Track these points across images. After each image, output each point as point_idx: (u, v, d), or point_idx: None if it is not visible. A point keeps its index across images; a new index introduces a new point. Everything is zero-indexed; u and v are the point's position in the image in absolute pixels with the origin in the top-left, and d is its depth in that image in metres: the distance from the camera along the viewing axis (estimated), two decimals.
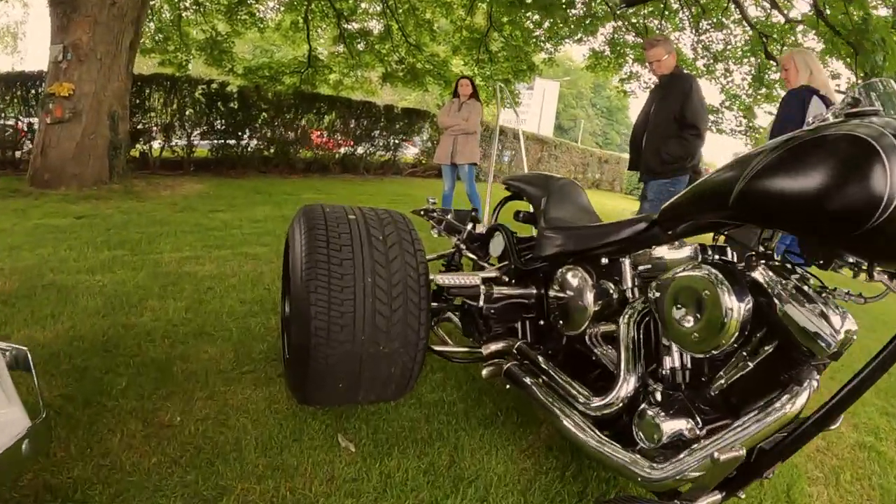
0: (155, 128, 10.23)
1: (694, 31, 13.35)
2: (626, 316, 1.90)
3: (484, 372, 2.43)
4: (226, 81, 11.48)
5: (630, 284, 2.02)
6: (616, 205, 21.00)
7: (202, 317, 3.34)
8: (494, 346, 2.51)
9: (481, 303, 2.49)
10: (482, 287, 2.53)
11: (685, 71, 5.49)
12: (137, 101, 9.68)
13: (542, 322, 2.55)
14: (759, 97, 13.33)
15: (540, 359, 2.29)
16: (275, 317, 3.46)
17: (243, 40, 19.35)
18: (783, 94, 4.59)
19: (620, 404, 1.83)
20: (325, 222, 2.24)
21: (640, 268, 2.00)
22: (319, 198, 9.19)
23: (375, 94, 18.20)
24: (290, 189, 9.81)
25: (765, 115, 13.33)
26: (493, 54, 14.97)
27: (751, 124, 13.87)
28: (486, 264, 2.91)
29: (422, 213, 3.36)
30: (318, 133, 13.20)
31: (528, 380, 2.21)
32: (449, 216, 3.19)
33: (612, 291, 2.09)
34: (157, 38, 15.02)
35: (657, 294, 1.74)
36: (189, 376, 2.64)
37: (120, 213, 6.28)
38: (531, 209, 2.78)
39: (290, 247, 2.38)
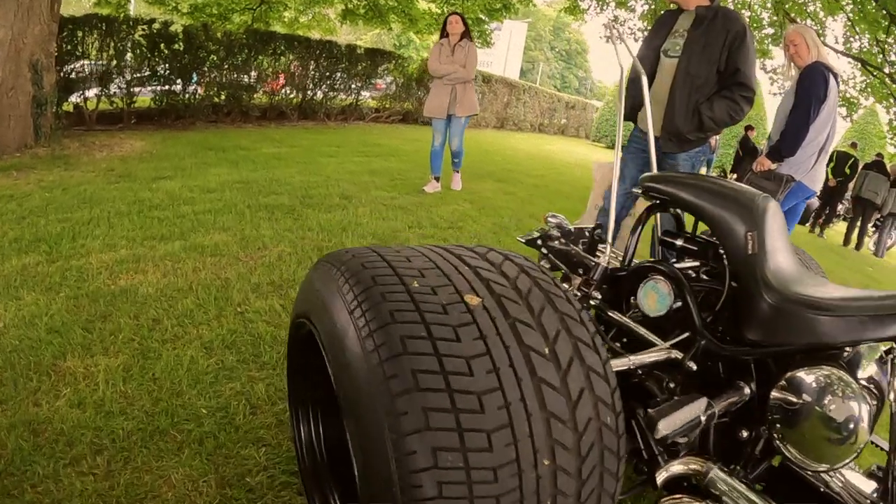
0: (90, 77, 8.80)
1: None
2: None
3: None
4: (169, 21, 10.06)
5: None
6: (597, 155, 20.27)
7: (150, 392, 2.27)
8: (674, 470, 1.62)
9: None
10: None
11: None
12: (68, 48, 8.33)
13: (745, 434, 1.72)
14: None
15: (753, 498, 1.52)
16: (260, 373, 2.48)
17: None
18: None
19: None
20: (401, 285, 1.28)
21: None
22: (280, 152, 8.09)
23: (334, 32, 16.95)
24: (246, 142, 8.63)
25: None
26: None
27: None
28: (619, 317, 2.00)
29: (538, 242, 2.40)
30: (284, 76, 11.96)
31: None
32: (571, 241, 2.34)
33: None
34: None
35: None
36: None
37: (42, 189, 5.02)
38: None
39: (320, 335, 1.40)
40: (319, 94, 12.79)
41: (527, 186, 8.89)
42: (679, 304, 1.90)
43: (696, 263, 2.26)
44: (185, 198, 5.01)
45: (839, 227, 16.49)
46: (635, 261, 2.16)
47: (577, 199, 8.45)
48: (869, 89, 11.63)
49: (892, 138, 11.59)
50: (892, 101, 11.07)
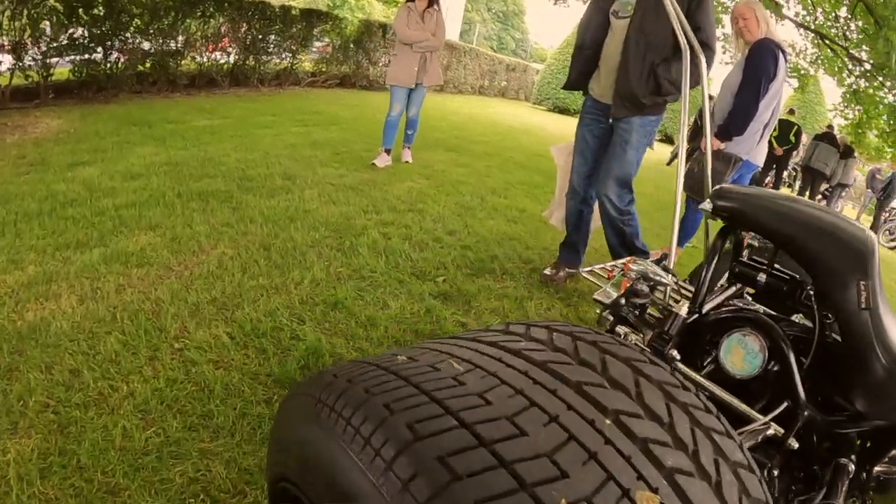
0: (1, 48, 7.73)
1: None
2: None
3: None
4: None
5: None
6: (540, 119, 19.89)
7: (76, 491, 1.69)
8: None
9: None
10: None
11: None
12: None
13: None
14: None
15: None
16: (215, 443, 1.94)
17: None
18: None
19: None
20: (446, 415, 0.82)
21: None
22: (212, 124, 7.35)
23: None
24: (174, 113, 7.83)
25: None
26: None
27: None
28: (699, 379, 1.57)
29: (621, 302, 1.84)
30: (226, 39, 11.08)
31: None
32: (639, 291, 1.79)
33: None
34: None
35: None
36: None
37: None
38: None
39: None
40: (252, 59, 11.90)
41: (479, 156, 8.42)
42: (773, 364, 1.55)
43: (788, 312, 1.84)
44: (106, 188, 4.33)
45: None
46: (710, 303, 1.71)
47: (534, 170, 8.03)
48: (820, 62, 11.61)
49: (843, 110, 11.58)
50: (843, 75, 11.07)
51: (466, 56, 21.65)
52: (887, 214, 15.53)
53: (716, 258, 1.76)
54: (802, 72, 11.93)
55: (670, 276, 1.76)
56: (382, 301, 3.22)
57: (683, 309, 1.66)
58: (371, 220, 4.47)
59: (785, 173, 16.84)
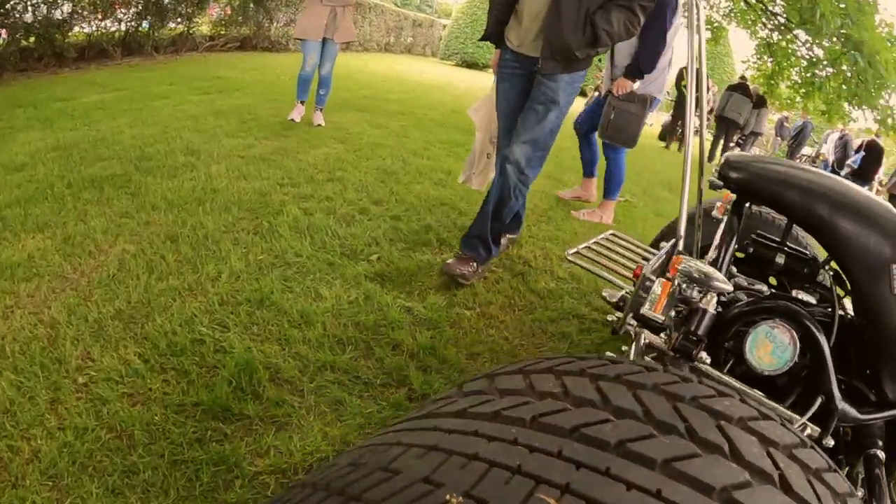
0: None
1: None
2: None
3: None
4: None
5: None
6: (449, 74, 19.51)
7: None
8: None
9: None
10: None
11: None
12: None
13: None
14: None
15: None
16: None
17: None
18: None
19: None
20: None
21: None
22: (105, 99, 6.58)
23: None
24: (62, 90, 6.97)
25: None
26: None
27: None
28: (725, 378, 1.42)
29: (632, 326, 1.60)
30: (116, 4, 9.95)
31: None
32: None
33: None
34: None
35: None
36: None
37: None
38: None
39: None
40: (146, 25, 10.85)
41: (393, 115, 7.98)
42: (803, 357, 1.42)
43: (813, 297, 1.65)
44: None
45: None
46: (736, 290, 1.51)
47: (452, 128, 7.68)
48: (733, 14, 11.91)
49: (756, 62, 12.01)
50: (757, 28, 11.44)
51: (372, 12, 20.83)
52: (798, 160, 16.35)
53: (733, 239, 1.59)
54: (715, 24, 12.24)
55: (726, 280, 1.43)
56: (314, 291, 2.83)
57: (712, 304, 1.41)
58: (289, 195, 4.02)
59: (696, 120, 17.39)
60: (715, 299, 1.45)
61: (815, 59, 11.06)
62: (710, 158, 13.99)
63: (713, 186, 1.72)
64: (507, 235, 3.72)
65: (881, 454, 1.38)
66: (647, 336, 1.52)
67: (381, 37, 21.81)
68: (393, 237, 3.63)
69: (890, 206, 1.47)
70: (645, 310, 1.47)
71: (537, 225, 4.62)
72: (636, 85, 4.49)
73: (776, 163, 1.72)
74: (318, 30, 6.05)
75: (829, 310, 1.58)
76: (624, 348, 1.82)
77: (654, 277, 1.54)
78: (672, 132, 14.31)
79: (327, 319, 2.60)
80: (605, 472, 0.60)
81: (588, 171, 5.52)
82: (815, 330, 1.42)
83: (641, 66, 4.41)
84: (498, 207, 3.27)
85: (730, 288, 1.40)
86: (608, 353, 1.39)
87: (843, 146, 16.05)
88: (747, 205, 1.75)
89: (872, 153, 14.20)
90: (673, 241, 1.64)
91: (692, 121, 1.71)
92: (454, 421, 0.76)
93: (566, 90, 3.17)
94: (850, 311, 1.62)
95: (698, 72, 1.86)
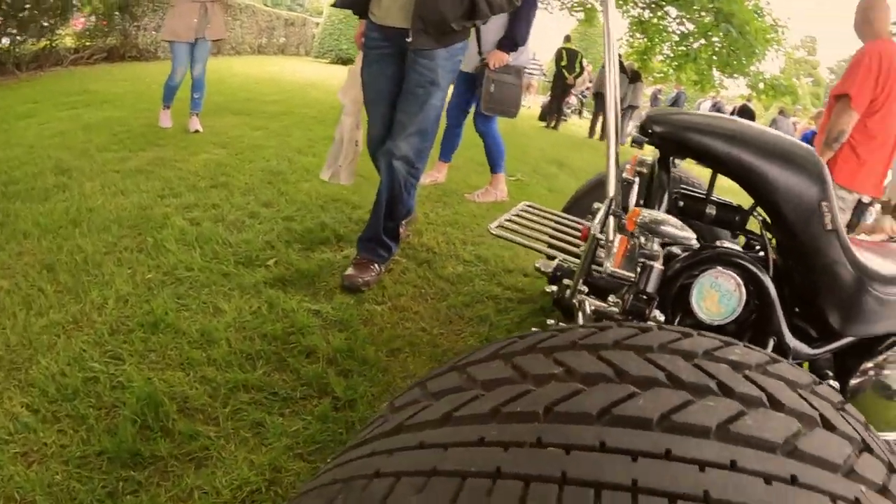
0: None
1: None
2: None
3: None
4: None
5: None
6: (325, 72, 19.17)
7: None
8: None
9: None
10: None
11: None
12: None
13: None
14: None
15: None
16: None
17: None
18: None
19: None
20: None
21: None
22: None
23: None
24: None
25: None
26: None
27: None
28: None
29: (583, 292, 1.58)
30: None
31: None
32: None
33: None
34: None
35: None
36: None
37: None
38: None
39: None
40: (6, 41, 9.93)
41: (273, 115, 7.67)
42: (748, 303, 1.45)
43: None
44: None
45: (572, 121, 17.69)
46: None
47: (333, 124, 7.14)
48: None
49: (629, 39, 12.58)
50: (628, 7, 11.95)
51: (243, 13, 19.93)
52: None
53: (665, 194, 1.59)
54: (588, 6, 12.63)
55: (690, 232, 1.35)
56: (212, 305, 2.58)
57: (658, 261, 1.35)
58: (171, 206, 3.69)
59: (574, 99, 18.07)
60: (661, 257, 1.39)
61: (686, 33, 11.64)
62: (591, 135, 14.42)
63: (636, 142, 1.69)
64: (402, 222, 3.46)
65: (834, 384, 1.45)
66: (591, 303, 1.46)
67: (253, 38, 21.00)
68: (288, 239, 3.41)
69: (811, 147, 1.50)
70: (612, 269, 1.39)
71: (434, 211, 4.52)
72: (510, 57, 4.50)
73: (697, 114, 1.76)
74: (188, 29, 5.68)
75: (762, 254, 1.59)
76: (550, 322, 1.72)
77: (606, 236, 1.51)
78: (551, 111, 14.61)
79: (231, 335, 2.37)
80: (667, 456, 0.52)
81: (447, 156, 5.47)
82: (759, 273, 1.45)
83: (517, 37, 4.42)
84: (391, 207, 3.04)
85: (692, 236, 1.32)
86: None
87: (717, 112, 16.97)
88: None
89: (745, 117, 15.08)
90: (607, 199, 1.56)
91: (614, 92, 1.62)
92: (443, 431, 0.62)
93: (445, 67, 2.88)
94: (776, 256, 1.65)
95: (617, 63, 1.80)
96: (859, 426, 0.67)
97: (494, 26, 4.36)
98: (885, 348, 1.56)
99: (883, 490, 0.58)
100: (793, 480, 0.53)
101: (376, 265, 3.07)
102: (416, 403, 0.69)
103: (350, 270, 3.00)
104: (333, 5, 3.16)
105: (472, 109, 5.00)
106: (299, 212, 3.89)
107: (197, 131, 5.96)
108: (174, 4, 5.80)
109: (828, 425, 0.62)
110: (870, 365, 1.53)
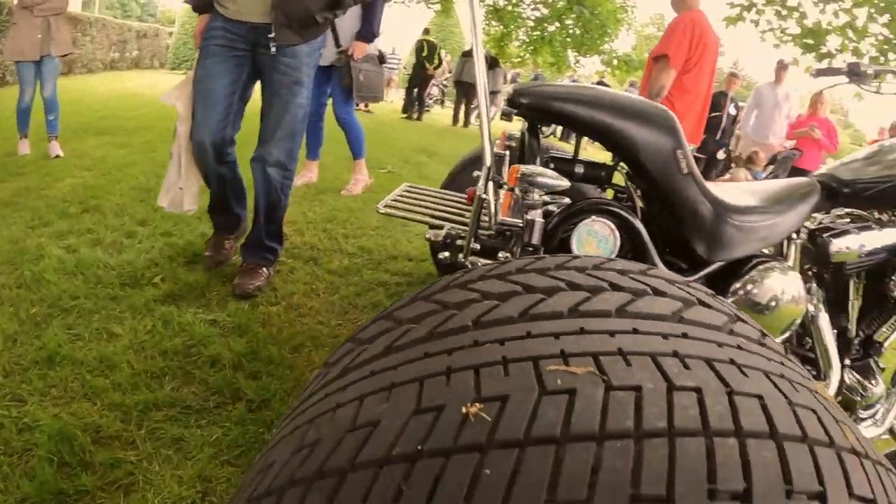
0: None
1: None
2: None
3: None
4: None
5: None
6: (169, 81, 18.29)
7: None
8: None
9: None
10: None
11: None
12: None
13: None
14: None
15: None
16: None
17: None
18: None
19: None
20: None
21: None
22: None
23: None
24: None
25: None
26: None
27: None
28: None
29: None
30: None
31: None
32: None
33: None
34: None
35: None
36: None
37: None
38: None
39: None
40: None
41: (134, 132, 7.32)
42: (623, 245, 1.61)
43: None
44: None
45: (435, 111, 17.90)
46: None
47: None
48: None
49: (485, 27, 13.02)
50: None
51: (93, 27, 18.54)
52: None
53: (537, 159, 1.74)
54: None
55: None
56: (106, 331, 2.47)
57: (539, 214, 1.49)
58: (45, 236, 3.46)
59: (436, 90, 18.30)
60: (541, 210, 1.53)
61: (541, 18, 12.14)
62: (455, 122, 14.63)
63: (505, 114, 1.87)
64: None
65: None
66: (483, 262, 1.51)
67: (104, 54, 19.61)
68: (171, 254, 3.32)
69: (661, 105, 1.68)
70: (501, 218, 1.56)
71: (312, 210, 4.55)
72: (369, 47, 4.74)
73: (559, 85, 1.93)
74: (33, 46, 5.35)
75: (630, 203, 1.74)
76: None
77: (489, 195, 1.65)
78: (412, 102, 14.72)
79: (131, 357, 2.29)
80: (582, 332, 0.63)
81: (315, 154, 5.51)
82: (629, 217, 1.60)
83: (374, 27, 4.65)
84: (270, 213, 3.00)
85: (567, 183, 1.50)
86: None
87: None
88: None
89: None
90: (485, 168, 1.70)
91: (483, 77, 1.75)
92: (388, 358, 0.68)
93: (308, 64, 2.80)
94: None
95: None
96: (731, 306, 0.79)
97: (349, 18, 4.43)
98: (749, 269, 1.74)
99: (760, 342, 0.71)
100: (684, 336, 0.64)
101: (264, 269, 3.03)
102: (353, 351, 0.75)
103: (239, 278, 2.95)
104: (194, 9, 2.94)
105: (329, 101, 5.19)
106: (177, 226, 3.78)
107: (58, 156, 5.59)
108: (17, 21, 5.45)
109: (704, 304, 0.74)
110: (738, 285, 1.72)
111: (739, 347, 0.66)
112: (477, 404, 0.53)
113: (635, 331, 0.64)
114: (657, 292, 0.74)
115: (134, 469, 1.74)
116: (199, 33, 2.84)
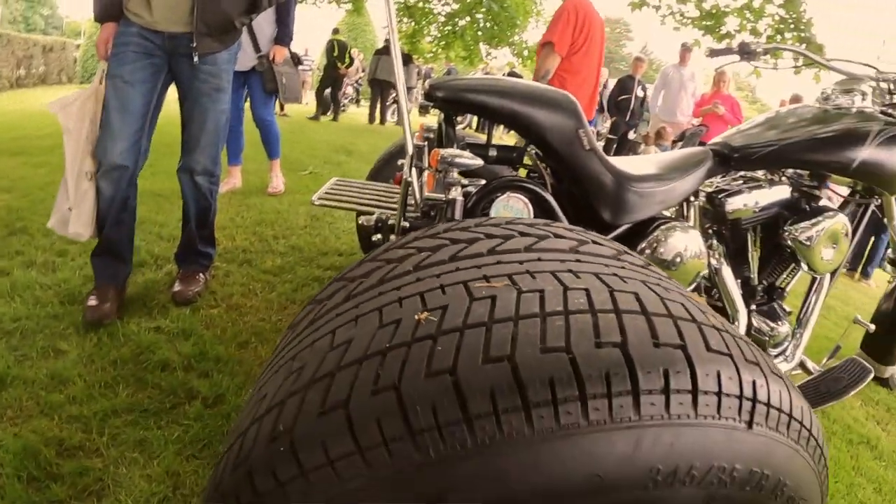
0: None
1: None
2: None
3: None
4: None
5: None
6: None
7: None
8: None
9: None
10: None
11: None
12: None
13: None
14: None
15: None
16: None
17: None
18: None
19: None
20: None
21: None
22: None
23: None
24: None
25: None
26: None
27: None
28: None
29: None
30: None
31: None
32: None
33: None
34: None
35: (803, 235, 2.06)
36: None
37: None
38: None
39: None
40: None
41: (51, 150, 6.86)
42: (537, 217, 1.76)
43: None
44: None
45: (351, 110, 17.73)
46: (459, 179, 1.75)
47: None
48: None
49: (397, 24, 13.10)
50: None
51: None
52: None
53: (454, 145, 1.87)
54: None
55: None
56: (52, 348, 2.47)
57: (459, 192, 1.64)
58: None
59: (350, 89, 18.19)
60: (461, 190, 1.66)
61: (451, 13, 12.24)
62: (371, 121, 14.60)
63: (423, 107, 2.03)
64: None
65: None
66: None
67: (10, 71, 18.70)
68: None
69: (563, 90, 1.83)
70: (427, 194, 1.71)
71: (240, 214, 4.57)
72: (287, 52, 4.84)
73: (471, 77, 2.09)
74: None
75: (541, 180, 1.93)
76: None
77: (414, 177, 1.81)
78: (326, 103, 14.58)
79: (81, 370, 2.31)
80: (498, 263, 0.84)
81: (236, 159, 5.51)
82: (541, 191, 1.77)
83: (290, 30, 4.78)
84: (201, 218, 3.02)
85: (480, 162, 1.65)
86: None
87: None
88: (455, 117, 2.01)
89: None
90: (408, 156, 1.87)
91: (401, 73, 1.88)
92: (348, 303, 0.86)
93: (227, 70, 2.78)
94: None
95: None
96: (617, 244, 0.99)
97: (267, 23, 4.61)
98: (652, 230, 1.93)
99: (645, 267, 0.92)
100: (577, 261, 0.85)
101: (201, 274, 3.06)
102: (313, 310, 0.93)
103: (178, 286, 2.98)
104: (96, 19, 2.76)
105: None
106: None
107: None
108: None
109: (596, 243, 0.95)
110: (644, 245, 1.91)
111: (623, 268, 0.86)
112: (425, 313, 0.71)
113: (540, 259, 0.84)
114: (557, 236, 0.94)
115: (102, 475, 1.78)
116: (104, 42, 2.68)
